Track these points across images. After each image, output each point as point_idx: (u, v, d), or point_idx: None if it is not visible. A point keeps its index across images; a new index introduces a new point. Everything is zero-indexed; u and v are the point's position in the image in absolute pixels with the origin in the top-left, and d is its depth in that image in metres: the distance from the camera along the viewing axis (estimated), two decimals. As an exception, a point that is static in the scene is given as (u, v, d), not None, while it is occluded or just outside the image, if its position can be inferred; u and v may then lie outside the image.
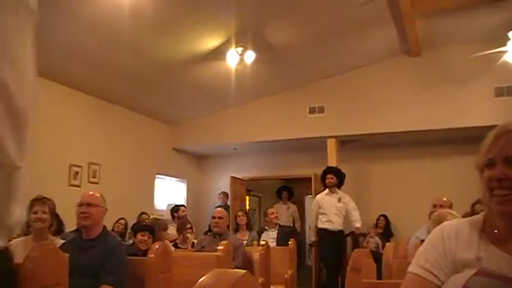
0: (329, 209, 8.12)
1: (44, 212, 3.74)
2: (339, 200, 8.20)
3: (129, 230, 7.18)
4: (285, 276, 5.99)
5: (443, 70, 8.68)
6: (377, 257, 4.09)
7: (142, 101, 9.36)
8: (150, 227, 5.25)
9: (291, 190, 11.10)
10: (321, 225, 8.19)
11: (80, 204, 3.51)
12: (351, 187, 10.13)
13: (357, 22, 7.52)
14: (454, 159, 9.36)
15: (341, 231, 8.26)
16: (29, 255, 2.44)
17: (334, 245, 8.08)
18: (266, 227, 7.68)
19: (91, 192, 3.69)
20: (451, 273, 1.38)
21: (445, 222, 1.51)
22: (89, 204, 3.51)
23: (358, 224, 8.27)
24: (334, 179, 8.23)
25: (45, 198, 3.86)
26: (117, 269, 3.30)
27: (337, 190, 8.30)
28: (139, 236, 4.83)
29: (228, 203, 10.73)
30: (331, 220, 8.09)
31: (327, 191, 8.31)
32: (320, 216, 8.21)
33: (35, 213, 3.71)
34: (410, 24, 7.57)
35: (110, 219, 6.20)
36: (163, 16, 6.59)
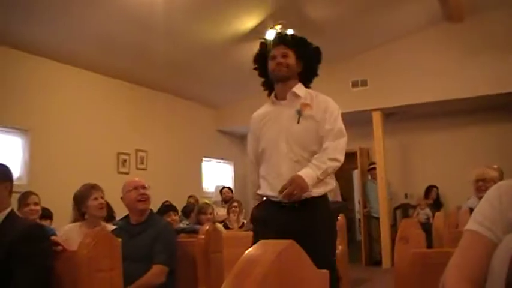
0: (273, 143, 3.12)
1: (102, 197, 3.76)
2: (299, 114, 3.09)
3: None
4: (336, 251, 5.97)
5: (488, 35, 8.43)
6: (427, 228, 4.03)
7: (184, 86, 9.43)
8: (171, 206, 5.49)
9: None
10: (260, 190, 3.19)
11: (136, 188, 3.55)
12: (398, 159, 10.05)
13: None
14: (503, 125, 9.15)
15: (312, 201, 2.96)
16: (83, 242, 2.50)
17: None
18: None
19: (136, 179, 3.73)
20: (504, 233, 1.34)
21: (502, 182, 1.47)
22: (144, 187, 3.57)
23: (308, 173, 2.88)
24: (292, 57, 3.20)
25: (96, 184, 3.88)
26: (167, 248, 3.35)
27: (298, 89, 3.19)
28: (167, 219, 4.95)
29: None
30: (280, 172, 3.03)
31: (272, 97, 3.29)
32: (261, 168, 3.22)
33: (96, 199, 3.70)
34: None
35: (159, 204, 6.30)
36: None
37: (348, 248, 6.79)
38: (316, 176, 2.84)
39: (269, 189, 3.05)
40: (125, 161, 8.37)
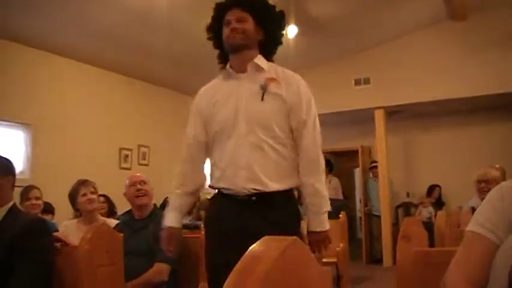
0: (230, 124, 2.45)
1: (92, 193, 3.80)
2: (264, 90, 2.44)
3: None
4: (337, 249, 5.99)
5: (491, 33, 8.40)
6: (429, 227, 4.03)
7: (186, 82, 9.42)
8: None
9: (330, 163, 11.00)
10: (211, 181, 2.58)
11: (133, 184, 3.53)
12: (400, 157, 10.04)
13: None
14: (506, 124, 9.13)
15: (273, 197, 2.39)
16: (84, 237, 2.50)
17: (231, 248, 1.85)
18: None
19: (138, 174, 3.72)
20: (506, 233, 1.34)
21: (504, 183, 1.47)
22: (142, 182, 3.56)
23: (311, 179, 2.45)
24: (250, 22, 2.55)
25: (87, 180, 3.91)
26: None
27: (260, 60, 2.56)
28: None
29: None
30: (236, 159, 2.40)
31: (227, 68, 2.60)
32: (213, 154, 2.60)
33: (84, 195, 3.75)
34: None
35: (161, 199, 6.31)
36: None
37: (349, 246, 6.81)
38: (324, 210, 2.46)
39: (221, 179, 2.45)
40: (127, 156, 8.40)
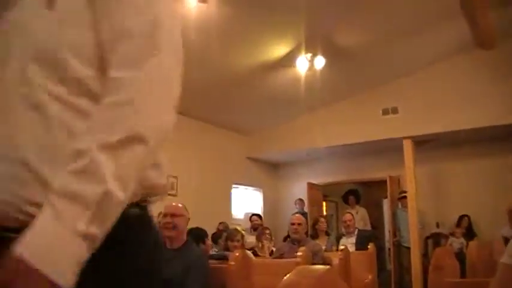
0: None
1: None
2: None
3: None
4: (365, 280, 5.91)
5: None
6: (461, 258, 3.97)
7: (214, 113, 9.51)
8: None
9: (357, 194, 10.95)
10: None
11: (164, 215, 3.59)
12: (429, 187, 9.92)
13: (425, 19, 7.36)
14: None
15: None
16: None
17: None
18: (344, 233, 7.61)
19: (174, 203, 3.78)
20: None
21: None
22: (173, 215, 3.60)
23: (88, 138, 0.92)
24: None
25: None
26: (199, 281, 3.34)
27: None
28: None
29: (305, 209, 10.71)
30: (6, 134, 0.96)
31: None
32: None
33: None
34: (483, 15, 7.31)
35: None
36: (231, 27, 6.69)
37: (378, 278, 6.71)
38: (73, 229, 0.84)
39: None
40: (155, 186, 8.45)
